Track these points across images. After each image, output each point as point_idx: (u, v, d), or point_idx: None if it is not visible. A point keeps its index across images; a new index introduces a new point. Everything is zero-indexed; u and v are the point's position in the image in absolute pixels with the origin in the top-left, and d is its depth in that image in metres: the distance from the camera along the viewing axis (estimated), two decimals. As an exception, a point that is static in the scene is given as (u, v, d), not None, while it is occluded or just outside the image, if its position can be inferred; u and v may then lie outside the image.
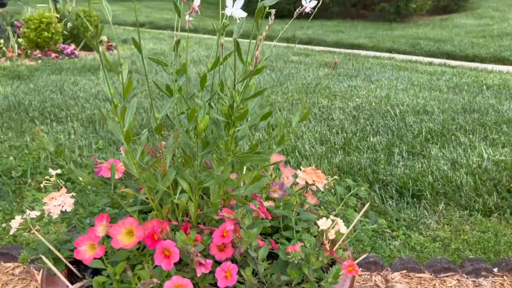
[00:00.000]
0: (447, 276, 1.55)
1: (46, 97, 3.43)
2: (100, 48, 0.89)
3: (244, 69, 0.83)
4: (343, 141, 2.70)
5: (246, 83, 0.80)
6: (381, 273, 1.57)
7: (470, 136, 2.76)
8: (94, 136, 2.70)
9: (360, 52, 6.69)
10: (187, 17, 0.71)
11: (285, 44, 7.70)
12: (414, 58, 5.97)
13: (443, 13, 10.50)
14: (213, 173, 0.86)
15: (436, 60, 5.77)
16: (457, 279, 1.54)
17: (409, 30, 8.48)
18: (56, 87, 3.76)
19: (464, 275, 1.55)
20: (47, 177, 1.01)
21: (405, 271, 1.57)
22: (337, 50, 6.94)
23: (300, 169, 1.00)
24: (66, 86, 3.81)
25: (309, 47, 7.25)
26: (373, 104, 3.44)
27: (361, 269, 1.58)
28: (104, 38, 6.58)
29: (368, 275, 1.57)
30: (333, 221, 0.81)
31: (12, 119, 2.91)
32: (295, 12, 1.08)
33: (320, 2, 1.00)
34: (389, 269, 1.59)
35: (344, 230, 0.82)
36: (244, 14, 0.68)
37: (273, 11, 0.80)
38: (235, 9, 0.66)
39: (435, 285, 1.52)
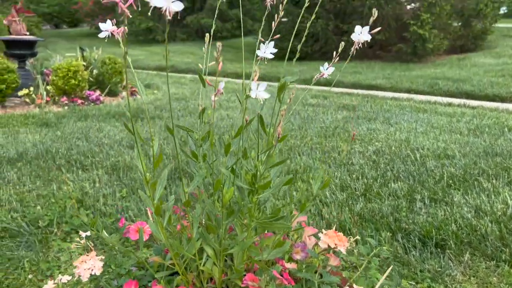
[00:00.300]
0: (475, 334, 1.51)
1: (72, 144, 3.55)
2: (124, 94, 0.95)
3: (267, 139, 0.86)
4: (364, 187, 2.70)
5: (269, 153, 0.84)
6: (407, 330, 1.53)
7: (494, 181, 2.72)
8: (118, 184, 2.76)
9: (378, 93, 6.74)
10: (212, 97, 0.77)
11: (303, 86, 7.82)
12: (433, 98, 5.98)
13: (461, 52, 10.56)
14: (237, 239, 0.88)
15: (456, 101, 5.77)
16: (486, 337, 1.49)
17: (427, 70, 8.53)
18: (82, 134, 3.89)
19: (493, 332, 1.51)
20: (78, 239, 1.05)
21: (431, 327, 1.53)
22: (355, 91, 7.01)
23: (322, 232, 1.02)
24: (91, 133, 3.93)
25: (327, 88, 7.35)
26: (393, 148, 3.44)
27: (385, 325, 1.55)
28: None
29: (393, 331, 1.53)
30: (356, 290, 0.82)
31: (40, 167, 3.01)
32: (314, 79, 1.13)
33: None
34: (415, 325, 1.55)
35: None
36: (267, 95, 0.73)
37: (294, 85, 0.84)
38: (259, 91, 0.71)
39: None
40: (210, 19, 19.59)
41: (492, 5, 10.87)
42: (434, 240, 2.08)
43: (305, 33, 1.04)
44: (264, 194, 0.87)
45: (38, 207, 2.42)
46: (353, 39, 0.98)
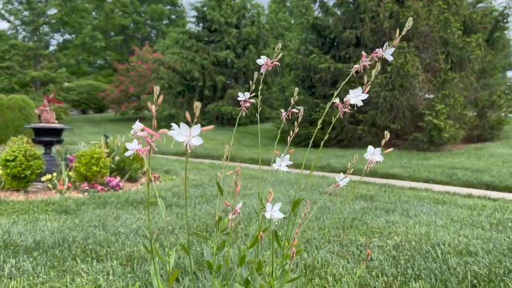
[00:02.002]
0: None
1: (89, 233, 3.56)
2: (143, 180, 0.98)
3: (282, 254, 0.87)
4: (384, 286, 2.59)
5: (283, 268, 0.84)
6: None
7: (521, 282, 2.59)
8: (132, 277, 2.72)
9: (395, 182, 6.71)
10: (230, 216, 0.80)
11: (320, 174, 7.86)
12: (452, 189, 5.91)
13: (477, 141, 10.61)
14: None
15: (475, 192, 5.69)
16: None
17: (444, 159, 8.54)
18: (100, 222, 3.92)
19: None
20: None
21: None
22: (372, 180, 6.99)
23: None
24: (108, 221, 3.96)
25: (342, 175, 7.35)
26: (412, 243, 3.35)
27: None
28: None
29: None
30: None
31: (56, 257, 3.00)
32: (328, 192, 1.15)
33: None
34: None
35: None
36: (282, 216, 0.76)
37: (306, 216, 0.86)
38: (274, 212, 0.74)
39: None
40: (229, 107, 20.38)
41: (506, 97, 11.10)
42: None
43: (320, 120, 1.09)
44: (278, 310, 0.86)
45: (50, 301, 2.38)
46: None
